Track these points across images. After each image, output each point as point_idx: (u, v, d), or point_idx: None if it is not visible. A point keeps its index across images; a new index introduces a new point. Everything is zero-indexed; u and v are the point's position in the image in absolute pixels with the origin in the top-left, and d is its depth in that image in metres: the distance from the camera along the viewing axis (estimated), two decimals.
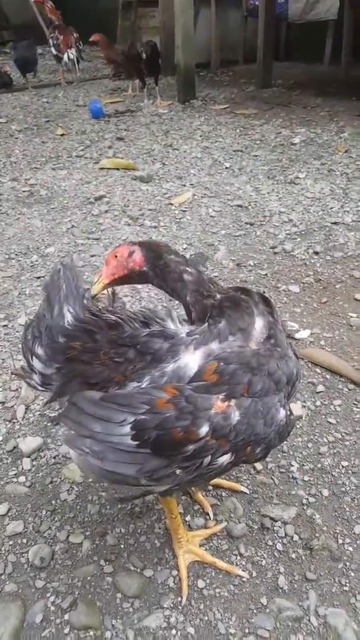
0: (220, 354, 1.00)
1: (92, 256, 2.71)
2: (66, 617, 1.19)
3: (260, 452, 1.03)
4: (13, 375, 1.82)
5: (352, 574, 1.26)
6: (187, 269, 1.07)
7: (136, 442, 0.98)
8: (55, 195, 3.54)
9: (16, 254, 2.78)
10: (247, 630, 1.15)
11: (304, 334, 2.05)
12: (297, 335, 2.04)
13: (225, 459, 1.01)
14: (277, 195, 3.35)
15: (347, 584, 1.24)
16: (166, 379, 1.00)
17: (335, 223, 2.93)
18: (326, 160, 3.87)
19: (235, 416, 0.98)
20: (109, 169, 3.96)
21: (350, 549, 1.31)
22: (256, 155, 4.07)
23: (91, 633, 1.17)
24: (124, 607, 1.21)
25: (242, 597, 1.22)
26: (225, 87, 6.62)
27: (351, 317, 2.15)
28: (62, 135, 4.89)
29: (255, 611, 1.19)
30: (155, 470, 1.00)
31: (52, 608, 1.21)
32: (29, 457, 1.57)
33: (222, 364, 0.99)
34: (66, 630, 1.17)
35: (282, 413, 1.02)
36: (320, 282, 2.39)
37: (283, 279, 2.43)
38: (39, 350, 1.16)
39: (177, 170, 3.88)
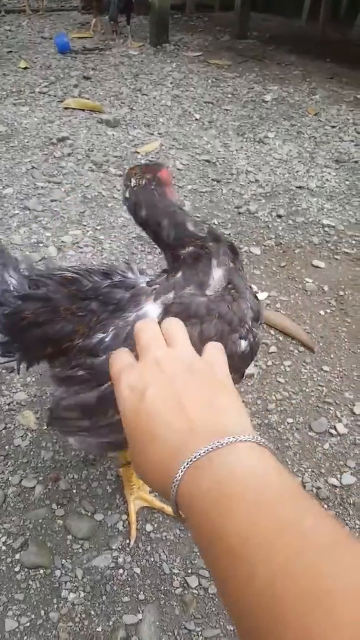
0: (172, 308, 1.02)
1: (52, 201, 2.64)
2: (17, 556, 1.24)
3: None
4: None
5: None
6: (171, 213, 1.06)
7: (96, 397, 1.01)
8: (16, 132, 3.38)
9: None
10: (189, 571, 1.24)
11: (261, 296, 2.09)
12: None
13: None
14: (246, 154, 3.32)
15: None
16: (129, 328, 1.01)
17: (299, 187, 2.95)
18: (296, 121, 3.85)
19: None
20: (73, 109, 3.80)
21: None
22: (227, 110, 3.99)
23: (41, 571, 1.22)
24: (74, 548, 1.27)
25: (186, 540, 1.30)
26: (200, 34, 6.37)
27: (307, 282, 2.21)
28: (25, 68, 4.62)
29: (197, 554, 1.27)
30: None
31: (4, 548, 1.25)
32: None
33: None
34: (17, 569, 1.22)
35: (243, 344, 1.04)
36: (280, 245, 2.43)
37: (245, 240, 2.45)
38: None
39: (145, 117, 3.77)
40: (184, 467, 0.42)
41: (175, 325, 0.56)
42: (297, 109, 4.08)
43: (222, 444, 0.42)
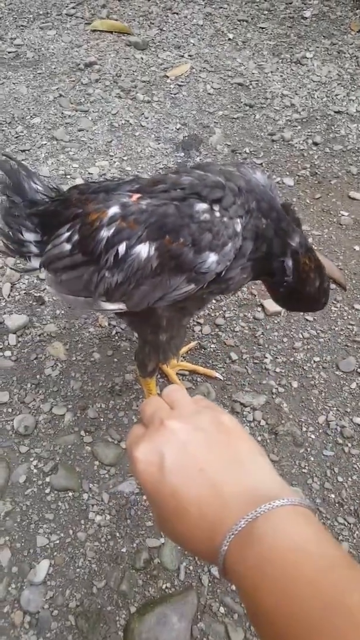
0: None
1: (79, 130, 2.56)
2: (47, 479, 1.30)
3: (187, 247, 0.97)
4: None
5: (312, 459, 1.37)
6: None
7: (69, 246, 1.08)
8: (43, 58, 3.25)
9: (0, 123, 2.61)
10: None
11: None
12: None
13: (142, 249, 1.00)
14: (281, 76, 3.11)
15: (306, 467, 1.35)
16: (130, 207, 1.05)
17: (338, 112, 2.77)
18: (337, 39, 3.56)
19: (145, 202, 1.02)
20: (101, 31, 3.60)
21: (313, 436, 1.41)
22: (263, 28, 3.71)
23: (70, 494, 1.28)
24: (101, 473, 1.32)
25: None
26: None
27: (342, 215, 2.11)
28: None
29: None
30: (91, 277, 1.06)
31: (35, 471, 1.32)
32: (14, 333, 1.61)
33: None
34: (47, 490, 1.29)
35: (200, 206, 0.98)
36: (316, 176, 2.32)
37: (278, 170, 2.34)
38: (26, 223, 1.21)
39: (175, 38, 3.54)
40: (226, 543, 0.42)
41: (174, 390, 0.57)
42: (339, 26, 3.76)
43: (258, 513, 0.41)
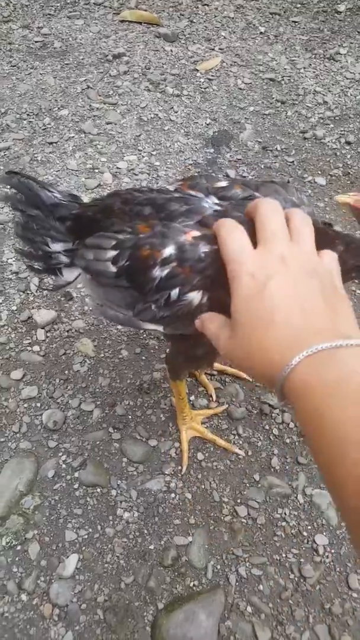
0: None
1: (107, 123, 2.55)
2: (76, 474, 1.31)
3: None
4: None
5: None
6: None
7: (115, 269, 1.01)
8: (71, 49, 3.24)
9: (28, 114, 2.61)
10: (239, 500, 1.28)
11: None
12: None
13: (195, 297, 0.96)
14: (314, 72, 3.07)
15: None
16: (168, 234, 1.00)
17: None
18: None
19: (204, 248, 0.95)
20: (130, 22, 3.58)
21: None
22: (295, 22, 3.66)
23: (98, 490, 1.29)
24: (129, 470, 1.33)
25: (236, 471, 1.33)
26: None
27: None
28: None
29: (247, 485, 1.31)
30: (134, 302, 1.02)
31: (64, 466, 1.33)
32: (43, 328, 1.62)
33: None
34: (76, 486, 1.30)
35: None
36: (348, 176, 2.28)
37: (310, 169, 2.31)
38: (51, 233, 1.14)
39: (205, 31, 3.51)
40: (302, 356, 0.44)
41: (302, 221, 0.56)
42: None
43: (346, 344, 0.43)
